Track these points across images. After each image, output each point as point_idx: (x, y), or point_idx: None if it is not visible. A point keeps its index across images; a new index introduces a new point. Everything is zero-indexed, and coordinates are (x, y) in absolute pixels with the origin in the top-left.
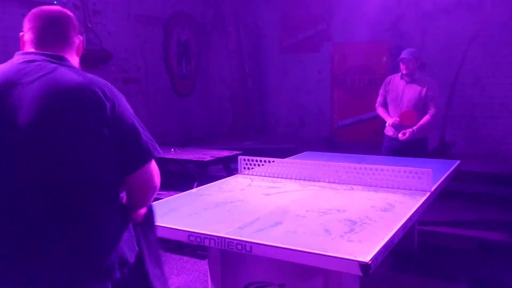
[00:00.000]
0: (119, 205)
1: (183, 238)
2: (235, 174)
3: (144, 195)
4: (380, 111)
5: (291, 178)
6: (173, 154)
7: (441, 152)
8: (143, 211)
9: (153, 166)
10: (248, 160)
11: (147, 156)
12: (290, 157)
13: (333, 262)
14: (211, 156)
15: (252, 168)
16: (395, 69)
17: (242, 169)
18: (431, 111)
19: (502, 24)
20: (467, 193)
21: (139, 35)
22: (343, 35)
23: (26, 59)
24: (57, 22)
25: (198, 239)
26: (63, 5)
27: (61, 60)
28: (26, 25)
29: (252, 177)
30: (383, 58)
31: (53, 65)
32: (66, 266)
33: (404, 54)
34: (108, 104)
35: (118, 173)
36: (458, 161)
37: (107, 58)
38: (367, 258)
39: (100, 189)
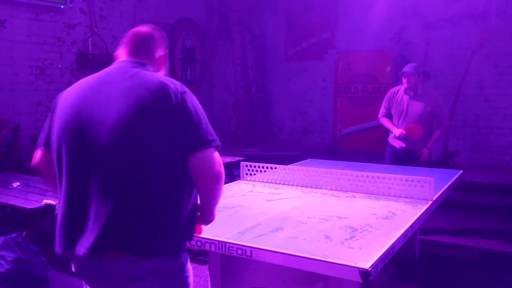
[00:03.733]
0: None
1: None
2: (237, 180)
3: (203, 181)
4: (385, 121)
5: (293, 185)
6: None
7: (443, 162)
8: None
9: (214, 155)
10: (251, 166)
11: (205, 143)
12: (292, 164)
13: (333, 269)
14: None
15: (254, 174)
16: (398, 79)
17: (244, 175)
18: (441, 127)
19: (506, 35)
20: (470, 203)
21: None
22: (348, 43)
23: (116, 65)
24: (140, 38)
25: (199, 244)
26: (70, 9)
27: (142, 66)
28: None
29: (254, 183)
30: (387, 67)
31: (136, 69)
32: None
33: (406, 68)
34: (176, 100)
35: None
36: (461, 171)
37: (112, 62)
38: (367, 265)
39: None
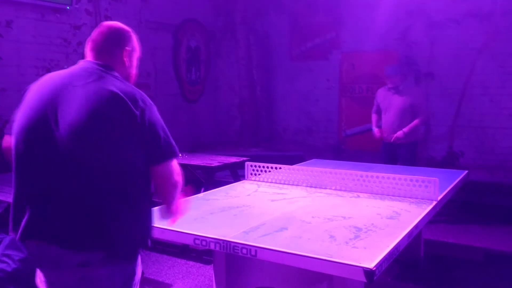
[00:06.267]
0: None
1: (189, 242)
2: (242, 180)
3: (164, 189)
4: (373, 117)
5: (297, 185)
6: (181, 159)
7: (449, 162)
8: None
9: (173, 164)
10: (255, 166)
11: (166, 155)
12: (297, 164)
13: (337, 268)
14: (219, 162)
15: (259, 174)
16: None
17: (249, 175)
18: (419, 117)
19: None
20: (475, 203)
21: (150, 41)
22: (352, 43)
23: (81, 65)
24: (107, 36)
25: (204, 243)
26: (76, 10)
27: (107, 69)
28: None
29: (259, 183)
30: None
31: (101, 73)
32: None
33: (388, 71)
34: (137, 112)
35: (143, 166)
36: (466, 171)
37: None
38: (371, 264)
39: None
